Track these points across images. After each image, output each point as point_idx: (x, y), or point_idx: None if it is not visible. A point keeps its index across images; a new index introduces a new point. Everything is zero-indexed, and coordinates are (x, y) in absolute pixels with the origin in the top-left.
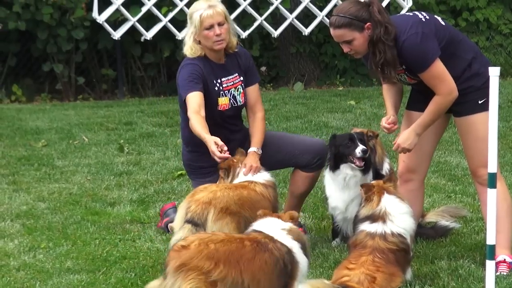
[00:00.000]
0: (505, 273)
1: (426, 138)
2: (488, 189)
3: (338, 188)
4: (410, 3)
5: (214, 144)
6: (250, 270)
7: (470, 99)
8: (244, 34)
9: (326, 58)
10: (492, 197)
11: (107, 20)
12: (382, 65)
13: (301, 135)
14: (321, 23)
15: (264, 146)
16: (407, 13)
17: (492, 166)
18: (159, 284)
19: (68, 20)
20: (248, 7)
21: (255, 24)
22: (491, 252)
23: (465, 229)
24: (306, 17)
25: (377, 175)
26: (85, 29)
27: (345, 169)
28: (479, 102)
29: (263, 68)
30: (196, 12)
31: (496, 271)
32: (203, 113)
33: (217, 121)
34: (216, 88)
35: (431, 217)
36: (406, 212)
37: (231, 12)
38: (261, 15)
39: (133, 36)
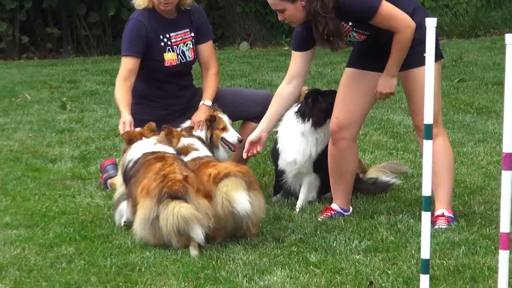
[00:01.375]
0: (443, 227)
1: (362, 96)
2: (425, 141)
3: (304, 143)
4: None
5: (122, 123)
6: None
7: (415, 51)
8: None
9: (271, 18)
10: (428, 148)
11: None
12: (328, 36)
13: (250, 89)
14: None
15: (216, 100)
16: None
17: (428, 117)
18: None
19: None
20: None
21: None
22: (426, 203)
23: (406, 185)
24: None
25: None
26: None
27: (328, 124)
28: (424, 54)
29: None
30: None
31: (435, 225)
32: (132, 80)
33: (163, 76)
34: (163, 44)
35: (372, 173)
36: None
37: None
38: None
39: None
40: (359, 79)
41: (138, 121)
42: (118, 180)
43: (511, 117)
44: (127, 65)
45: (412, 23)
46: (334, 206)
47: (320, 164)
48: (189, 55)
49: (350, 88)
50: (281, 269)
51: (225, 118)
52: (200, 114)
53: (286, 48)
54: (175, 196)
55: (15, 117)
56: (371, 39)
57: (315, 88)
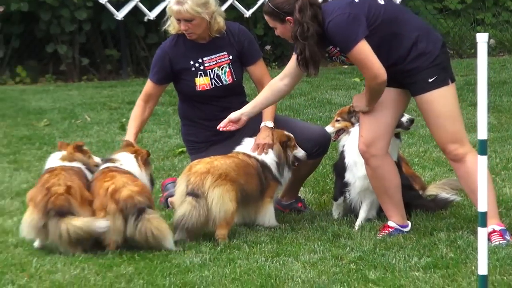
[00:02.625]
0: (503, 243)
1: (383, 112)
2: (479, 156)
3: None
4: None
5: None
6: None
7: (419, 79)
8: (248, 13)
9: None
10: (482, 164)
11: (109, 1)
12: (302, 61)
13: (304, 122)
14: None
15: None
16: None
17: (482, 132)
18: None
19: (71, 1)
20: None
21: (259, 3)
22: (483, 219)
23: (466, 201)
24: None
25: None
26: (88, 10)
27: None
28: (429, 80)
29: (268, 47)
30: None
31: (491, 242)
32: (150, 103)
33: (198, 100)
34: (194, 69)
35: (432, 190)
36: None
37: None
38: None
39: (136, 16)
40: None
41: (186, 141)
42: (177, 199)
43: (483, 109)
44: (147, 88)
45: (381, 77)
46: (391, 223)
47: None
48: (226, 78)
49: None
50: (340, 286)
51: (291, 135)
52: (264, 137)
53: (346, 66)
54: (61, 212)
55: (75, 138)
56: None
57: None
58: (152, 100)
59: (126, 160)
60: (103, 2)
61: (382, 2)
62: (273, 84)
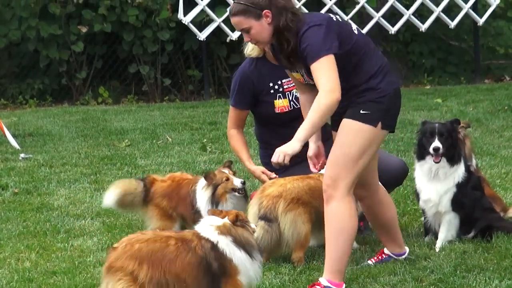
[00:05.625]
0: None
1: None
2: None
3: (428, 180)
4: (498, 1)
5: (262, 174)
6: (174, 271)
7: (355, 105)
8: None
9: (413, 56)
10: None
11: (192, 21)
12: (290, 53)
13: (384, 151)
14: (407, 21)
15: None
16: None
17: None
18: None
19: (154, 22)
20: (334, 6)
21: None
22: None
23: None
24: (393, 15)
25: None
26: (170, 30)
27: (430, 160)
28: (361, 111)
29: None
30: None
31: None
32: (242, 128)
33: (275, 122)
34: (273, 91)
35: None
36: None
37: (317, 11)
38: (347, 14)
39: (218, 36)
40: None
41: (264, 164)
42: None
43: None
44: (236, 116)
45: (337, 92)
46: (386, 250)
47: (458, 202)
48: None
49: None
50: None
51: None
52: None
53: (428, 87)
54: None
55: (156, 159)
56: None
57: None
58: (241, 126)
59: None
60: (186, 23)
61: (356, 32)
62: (309, 103)
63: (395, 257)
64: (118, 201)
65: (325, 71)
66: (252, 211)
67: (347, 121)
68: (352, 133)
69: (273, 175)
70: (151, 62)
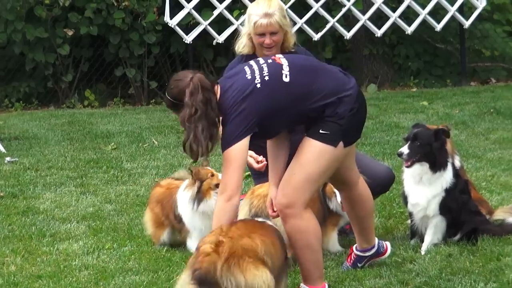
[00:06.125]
0: None
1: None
2: None
3: (415, 183)
4: (484, 3)
5: (249, 157)
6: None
7: (316, 125)
8: (317, 36)
9: (399, 59)
10: None
11: (179, 24)
12: (188, 145)
13: (371, 159)
14: (393, 24)
15: None
16: (247, 76)
17: None
18: None
19: (140, 25)
20: (320, 9)
21: (328, 26)
22: None
23: None
24: (379, 18)
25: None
26: (157, 33)
27: (417, 164)
28: (320, 131)
29: None
30: (253, 16)
31: None
32: None
33: None
34: None
35: (498, 215)
36: None
37: (303, 14)
38: (333, 17)
39: (205, 39)
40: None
41: (252, 168)
42: None
43: None
44: None
45: (225, 196)
46: (355, 250)
47: (446, 206)
48: None
49: None
50: None
51: None
52: None
53: (414, 89)
54: None
55: (142, 162)
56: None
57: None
58: None
59: None
60: (172, 26)
61: (287, 80)
62: (273, 148)
63: (363, 254)
64: None
65: (225, 167)
66: (243, 211)
67: (307, 139)
68: (312, 153)
69: (260, 157)
70: (137, 65)
